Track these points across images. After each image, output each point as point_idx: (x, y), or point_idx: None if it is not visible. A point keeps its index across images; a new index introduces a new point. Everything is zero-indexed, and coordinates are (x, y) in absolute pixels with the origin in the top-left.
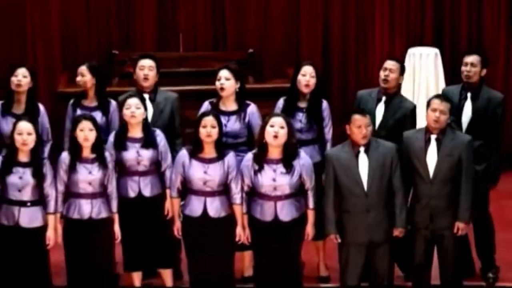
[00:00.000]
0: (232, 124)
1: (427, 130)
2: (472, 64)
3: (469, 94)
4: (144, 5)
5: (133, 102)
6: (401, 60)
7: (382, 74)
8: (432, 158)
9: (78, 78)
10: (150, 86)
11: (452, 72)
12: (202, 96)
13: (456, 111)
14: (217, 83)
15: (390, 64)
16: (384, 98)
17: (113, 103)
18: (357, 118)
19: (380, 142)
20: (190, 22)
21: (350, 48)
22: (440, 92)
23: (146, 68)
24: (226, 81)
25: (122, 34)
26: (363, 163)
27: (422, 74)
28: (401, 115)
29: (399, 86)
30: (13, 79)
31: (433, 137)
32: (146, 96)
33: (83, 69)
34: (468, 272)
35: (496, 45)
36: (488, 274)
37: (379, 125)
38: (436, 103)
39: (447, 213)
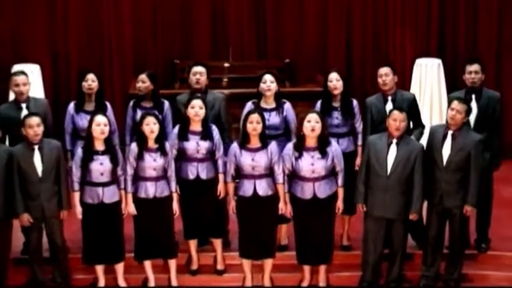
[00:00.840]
0: (273, 119)
1: (447, 126)
2: (475, 72)
3: (473, 96)
4: (201, 22)
5: (197, 103)
6: (391, 63)
7: (380, 80)
8: (446, 150)
9: (139, 84)
10: (201, 88)
11: (452, 79)
12: (248, 98)
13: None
14: (264, 85)
15: (383, 70)
16: (389, 98)
17: (166, 103)
18: (395, 113)
19: (411, 140)
20: (237, 36)
21: (368, 58)
22: (444, 98)
23: (198, 74)
24: (271, 83)
25: (182, 46)
26: (392, 152)
27: (427, 81)
28: (407, 105)
29: (396, 84)
30: (84, 84)
31: (450, 132)
32: (198, 95)
33: (144, 77)
34: (465, 243)
35: (488, 56)
36: (481, 245)
37: None
38: (454, 103)
39: (456, 196)
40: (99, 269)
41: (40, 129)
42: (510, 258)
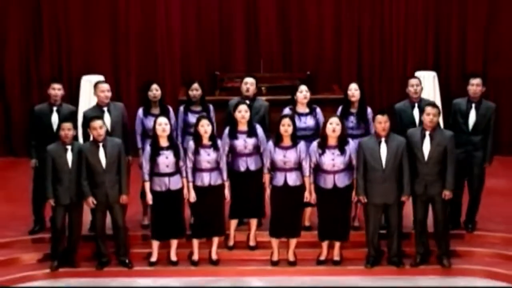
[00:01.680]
0: (308, 121)
1: (423, 128)
2: (477, 85)
3: (473, 105)
4: (237, 39)
5: (243, 107)
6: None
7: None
8: (426, 147)
9: (193, 92)
10: (250, 96)
11: (445, 88)
12: (274, 103)
13: (464, 116)
14: (300, 95)
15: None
16: (416, 104)
17: (211, 107)
18: (379, 117)
19: (395, 136)
20: (267, 51)
21: (375, 70)
22: (438, 103)
23: (249, 84)
24: (306, 93)
25: (222, 60)
26: (383, 149)
27: (425, 90)
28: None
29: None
30: (150, 93)
31: (427, 133)
32: (248, 102)
33: (197, 85)
34: (456, 224)
35: (475, 68)
36: (468, 225)
37: None
38: (429, 109)
39: (437, 185)
40: (155, 244)
41: (102, 131)
42: (493, 237)
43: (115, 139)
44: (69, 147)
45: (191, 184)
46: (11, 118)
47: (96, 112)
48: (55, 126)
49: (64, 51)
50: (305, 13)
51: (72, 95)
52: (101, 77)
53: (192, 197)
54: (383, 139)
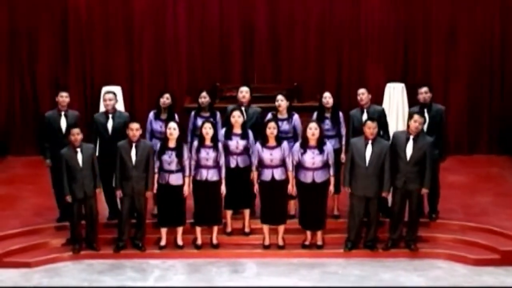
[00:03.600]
0: (284, 126)
1: (408, 132)
2: (425, 92)
3: (425, 109)
4: (234, 54)
5: (237, 113)
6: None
7: (358, 98)
8: (409, 149)
9: (202, 100)
10: (246, 103)
11: (412, 98)
12: (265, 110)
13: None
14: (276, 103)
15: (361, 90)
16: (365, 110)
17: (218, 113)
18: (368, 123)
19: (381, 140)
20: (260, 65)
21: (353, 81)
22: (405, 111)
23: (244, 92)
24: (281, 101)
25: (221, 72)
26: (369, 150)
27: (394, 100)
28: (378, 116)
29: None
30: (161, 100)
31: (411, 137)
32: (243, 108)
33: (205, 94)
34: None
35: (439, 80)
36: (432, 215)
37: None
38: (416, 117)
39: (415, 181)
40: (163, 231)
41: (138, 132)
42: (453, 225)
43: (147, 141)
44: (78, 149)
45: (191, 178)
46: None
47: (102, 118)
48: (64, 129)
49: (88, 64)
50: (292, 31)
51: (94, 104)
52: (117, 88)
53: (186, 190)
54: (370, 141)
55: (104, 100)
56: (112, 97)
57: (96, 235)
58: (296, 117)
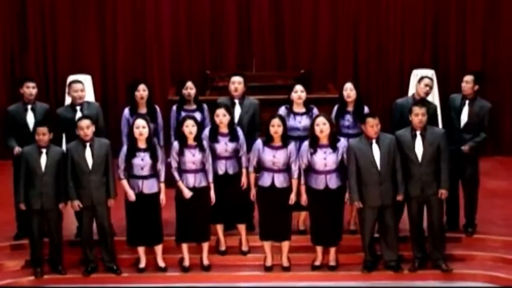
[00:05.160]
0: (304, 121)
1: (412, 128)
2: (466, 82)
3: (467, 102)
4: (229, 37)
5: (221, 112)
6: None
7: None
8: (419, 147)
9: (188, 91)
10: (238, 95)
11: (444, 87)
12: (267, 103)
13: (457, 112)
14: (295, 95)
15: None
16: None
17: (205, 106)
18: (370, 120)
19: (384, 135)
20: (260, 50)
21: (371, 68)
22: (436, 101)
23: (236, 83)
24: (301, 93)
25: (213, 59)
26: (376, 151)
27: None
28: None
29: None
30: (137, 93)
31: (418, 133)
32: (237, 101)
33: (191, 84)
34: (454, 226)
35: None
36: (468, 229)
37: None
38: (416, 109)
39: (433, 185)
40: (141, 250)
41: (89, 131)
42: (494, 240)
43: (102, 139)
44: (44, 150)
45: (181, 183)
46: None
47: (68, 112)
48: (31, 125)
49: (50, 51)
50: (299, 9)
51: (58, 95)
52: (87, 77)
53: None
54: (373, 141)
55: (71, 91)
56: (81, 87)
57: (61, 256)
58: (315, 111)
